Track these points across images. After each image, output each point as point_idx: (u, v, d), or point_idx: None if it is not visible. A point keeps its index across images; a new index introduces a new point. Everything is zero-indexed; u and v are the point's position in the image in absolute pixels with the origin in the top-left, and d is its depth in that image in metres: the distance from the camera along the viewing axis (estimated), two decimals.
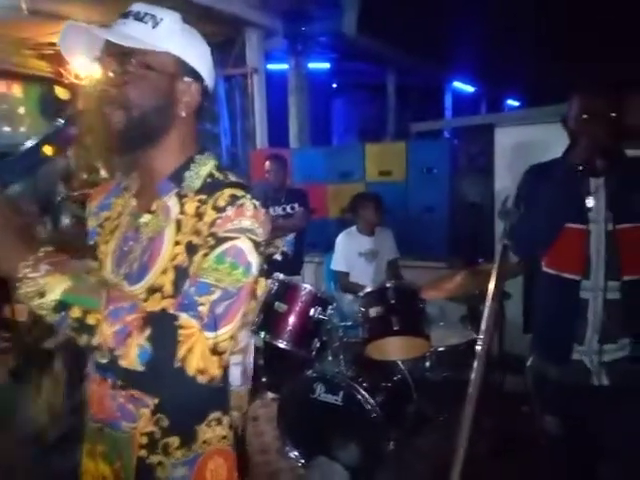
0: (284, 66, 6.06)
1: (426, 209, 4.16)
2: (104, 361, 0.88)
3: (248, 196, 0.95)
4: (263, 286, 1.03)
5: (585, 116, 1.56)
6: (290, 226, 3.67)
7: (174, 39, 0.96)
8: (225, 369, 0.96)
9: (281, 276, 2.79)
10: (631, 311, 1.59)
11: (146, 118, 0.96)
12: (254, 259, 0.93)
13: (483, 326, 0.92)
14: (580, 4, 5.02)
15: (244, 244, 0.92)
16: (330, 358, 2.68)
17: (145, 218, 1.01)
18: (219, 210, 0.93)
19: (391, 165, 4.25)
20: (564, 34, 6.01)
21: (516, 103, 13.04)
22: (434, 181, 4.13)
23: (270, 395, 3.19)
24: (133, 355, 0.85)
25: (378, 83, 8.86)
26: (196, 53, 1.00)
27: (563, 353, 1.65)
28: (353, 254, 3.37)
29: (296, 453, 2.67)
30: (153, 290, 0.96)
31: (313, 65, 7.59)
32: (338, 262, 3.39)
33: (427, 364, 2.79)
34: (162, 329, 0.88)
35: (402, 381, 2.74)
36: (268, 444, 2.95)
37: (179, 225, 0.98)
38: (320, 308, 2.68)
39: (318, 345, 2.70)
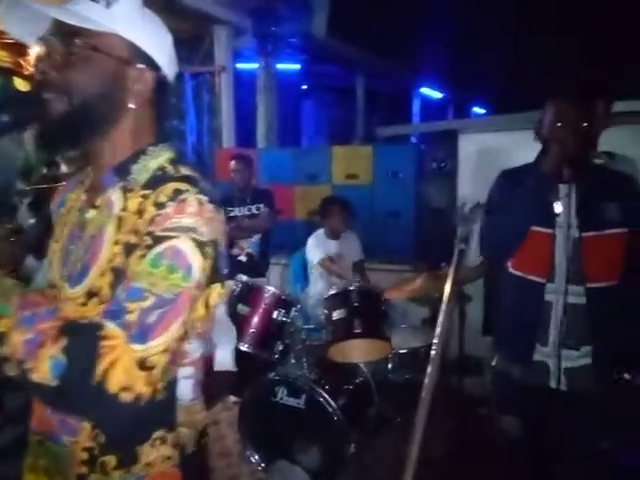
0: (253, 65, 6.02)
1: (392, 213, 4.20)
2: (13, 374, 0.77)
3: (193, 190, 0.86)
4: (218, 292, 0.93)
5: (558, 124, 1.57)
6: (255, 227, 3.64)
7: (129, 22, 0.88)
8: (171, 383, 0.89)
9: (244, 278, 2.76)
10: (595, 318, 1.61)
11: (90, 105, 0.87)
12: (196, 261, 0.83)
13: (438, 329, 0.92)
14: (546, 13, 5.17)
15: (184, 244, 0.83)
16: (293, 361, 2.66)
17: (90, 214, 0.94)
18: (159, 206, 0.85)
19: (358, 168, 4.27)
20: (529, 44, 6.17)
21: (482, 111, 13.33)
22: (400, 185, 4.17)
23: (232, 398, 3.16)
24: (45, 368, 0.75)
25: (347, 86, 8.91)
26: (153, 39, 0.91)
27: (526, 354, 1.68)
28: (319, 257, 3.37)
29: (257, 457, 2.64)
30: (91, 294, 0.88)
31: (283, 66, 7.57)
32: (315, 255, 3.39)
33: (389, 366, 2.81)
34: (80, 339, 0.78)
35: (364, 383, 2.75)
36: (229, 448, 2.92)
37: (120, 223, 0.90)
38: (284, 310, 2.66)
39: (281, 348, 2.68)
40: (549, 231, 1.62)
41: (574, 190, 1.61)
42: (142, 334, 0.79)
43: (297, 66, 8.11)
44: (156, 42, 0.92)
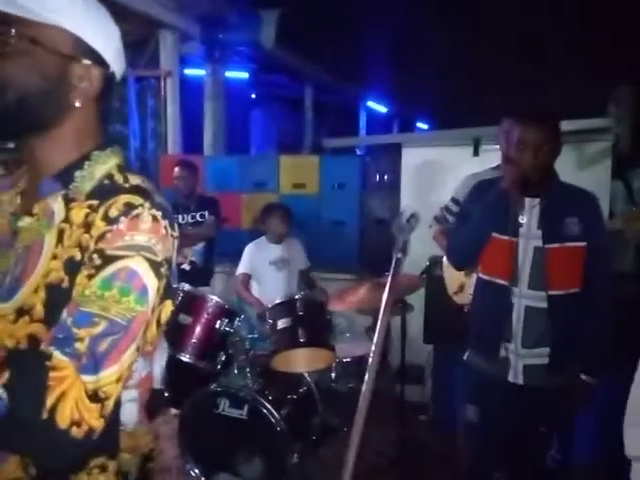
0: (201, 72, 5.96)
1: (337, 223, 4.25)
2: None
3: (147, 205, 0.80)
4: (169, 310, 0.89)
5: (520, 146, 1.68)
6: (199, 235, 3.58)
7: (72, 13, 0.80)
8: (114, 409, 0.83)
9: (186, 287, 2.70)
10: (554, 323, 1.76)
11: (27, 102, 0.79)
12: (151, 283, 0.78)
13: (375, 338, 0.94)
14: (487, 34, 5.42)
15: (139, 265, 0.77)
16: (236, 371, 2.63)
17: (24, 222, 0.85)
18: (110, 221, 0.78)
19: (305, 178, 4.30)
20: (470, 64, 6.45)
21: (425, 126, 13.77)
22: (345, 196, 4.23)
23: (173, 411, 3.07)
24: None
25: (296, 97, 8.98)
26: (99, 33, 0.84)
27: (493, 349, 1.83)
28: (263, 263, 3.36)
29: (197, 471, 2.58)
30: (22, 311, 0.79)
31: (231, 74, 7.54)
32: (241, 267, 3.39)
33: (333, 375, 2.83)
34: (26, 372, 0.71)
35: (308, 393, 2.74)
36: (168, 463, 2.83)
37: (61, 235, 0.81)
38: (227, 320, 2.63)
39: (224, 358, 2.65)
40: (512, 239, 1.75)
41: (539, 204, 1.75)
42: (93, 364, 0.72)
43: (245, 75, 8.09)
44: (103, 36, 0.85)
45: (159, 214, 0.81)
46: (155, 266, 0.79)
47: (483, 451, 1.94)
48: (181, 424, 2.62)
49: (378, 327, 0.97)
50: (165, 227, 0.82)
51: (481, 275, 1.91)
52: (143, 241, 0.78)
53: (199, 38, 5.08)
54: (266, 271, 3.36)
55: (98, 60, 0.84)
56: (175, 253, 0.88)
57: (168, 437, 3.00)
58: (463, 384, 2.03)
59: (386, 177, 4.32)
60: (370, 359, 0.94)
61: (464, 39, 5.60)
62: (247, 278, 3.39)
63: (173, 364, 2.81)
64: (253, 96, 9.78)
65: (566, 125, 3.64)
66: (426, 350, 3.34)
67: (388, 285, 1.03)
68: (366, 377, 0.93)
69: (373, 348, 0.95)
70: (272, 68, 7.63)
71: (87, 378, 0.72)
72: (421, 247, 2.86)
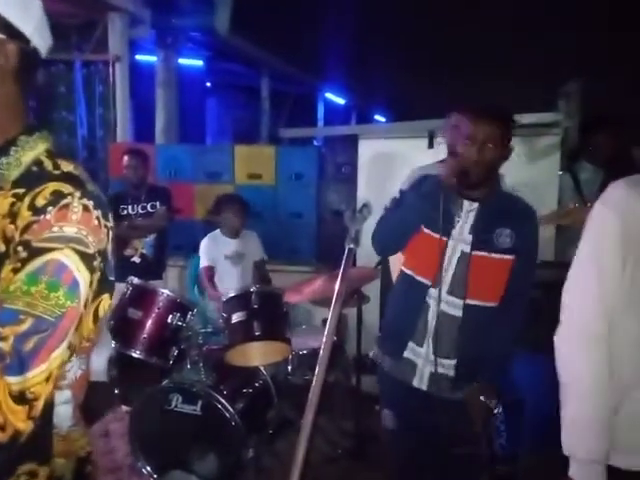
0: (153, 58, 5.76)
1: (295, 214, 4.21)
2: None
3: (77, 194, 0.75)
4: (107, 304, 0.85)
5: (466, 141, 1.59)
6: (150, 226, 3.46)
7: None
8: (46, 410, 0.77)
9: (135, 280, 2.60)
10: (466, 334, 1.67)
11: None
12: (83, 276, 0.74)
13: (326, 330, 0.91)
14: (440, 29, 5.47)
15: (68, 258, 0.72)
16: (189, 366, 2.56)
17: None
18: (36, 211, 0.73)
19: (261, 169, 4.23)
20: (424, 57, 6.52)
21: (383, 119, 13.88)
22: (303, 187, 4.19)
23: (124, 408, 2.97)
24: None
25: (253, 86, 8.84)
26: (16, 4, 0.78)
27: (398, 349, 1.74)
28: (219, 257, 3.28)
29: (149, 468, 2.51)
30: None
31: (185, 61, 7.33)
32: (203, 260, 3.28)
33: (289, 368, 2.80)
34: None
35: (264, 386, 2.71)
36: (119, 462, 2.75)
37: None
38: (179, 314, 2.55)
39: (176, 353, 2.58)
40: (442, 239, 1.65)
41: (476, 208, 1.66)
42: (18, 363, 0.68)
43: (200, 62, 7.89)
44: (20, 8, 0.78)
45: (90, 204, 0.77)
46: (87, 259, 0.75)
47: (406, 454, 1.82)
48: (132, 421, 2.54)
49: (329, 318, 0.94)
50: (97, 217, 0.77)
51: (404, 269, 1.80)
52: (72, 232, 0.74)
53: (150, 22, 4.89)
54: (222, 265, 3.28)
55: (14, 34, 0.78)
56: (110, 245, 0.82)
57: (119, 435, 2.91)
58: (379, 385, 1.94)
59: (344, 168, 4.30)
60: (321, 351, 0.92)
61: (421, 33, 5.64)
62: (210, 272, 3.27)
63: (123, 360, 2.72)
64: (208, 84, 9.57)
65: (518, 119, 3.77)
66: None
67: (340, 275, 1.00)
68: (317, 369, 0.91)
69: (324, 339, 0.92)
70: (227, 56, 7.47)
71: (12, 379, 0.68)
72: None
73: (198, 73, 8.23)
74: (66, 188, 0.76)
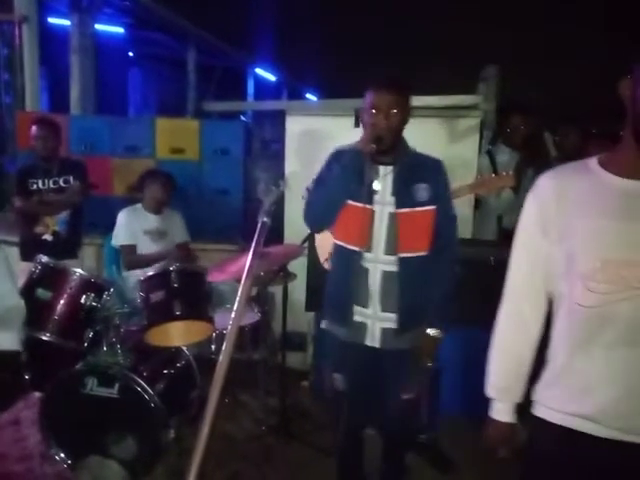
0: (68, 22, 5.34)
1: (220, 191, 4.09)
2: None
3: None
4: None
5: (373, 110, 1.77)
6: (63, 202, 3.24)
7: None
8: None
9: (44, 259, 2.43)
10: (404, 284, 1.85)
11: None
12: None
13: (235, 306, 0.89)
14: (370, 10, 5.48)
15: None
16: (105, 349, 2.45)
17: None
18: None
19: (184, 143, 4.06)
20: (354, 35, 6.52)
21: (314, 97, 13.81)
22: (229, 163, 4.07)
23: (36, 395, 2.81)
24: None
25: (179, 58, 8.46)
26: None
27: (347, 315, 1.89)
28: (137, 231, 3.12)
29: (63, 455, 2.40)
30: None
31: (104, 27, 6.87)
32: (121, 237, 3.10)
33: (213, 347, 2.76)
34: None
35: (186, 366, 2.65)
36: (30, 450, 2.60)
37: None
38: (93, 294, 2.43)
39: (91, 335, 2.46)
40: (368, 206, 1.81)
41: (391, 171, 1.84)
42: None
43: (121, 30, 7.43)
44: None
45: None
46: None
47: (354, 416, 1.97)
48: (43, 407, 2.41)
49: (239, 294, 0.92)
50: None
51: (337, 242, 1.94)
52: None
53: None
54: (140, 240, 3.12)
55: None
56: None
57: (30, 422, 2.75)
58: (327, 353, 2.07)
59: (271, 144, 4.23)
60: (229, 327, 0.89)
61: (349, 12, 5.62)
62: (132, 250, 3.10)
63: (33, 344, 2.55)
64: (131, 54, 9.05)
65: (440, 100, 3.87)
66: (308, 317, 3.39)
67: (252, 249, 0.98)
68: (224, 346, 0.88)
69: (232, 316, 0.90)
70: (151, 25, 7.08)
71: None
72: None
73: (119, 42, 7.75)
74: None
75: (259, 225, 0.99)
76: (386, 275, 1.84)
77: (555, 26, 5.23)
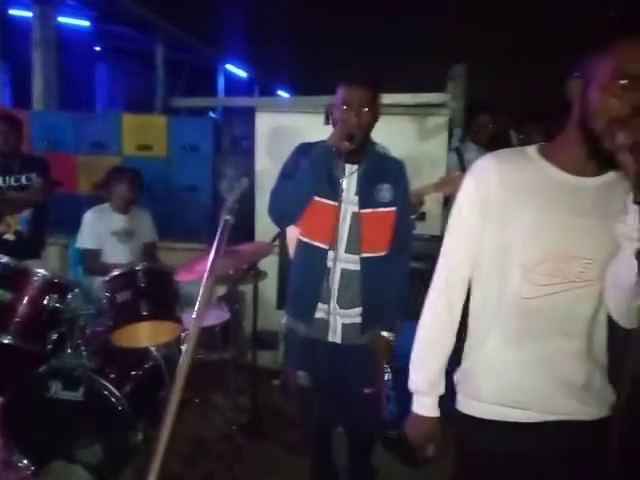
0: (30, 14, 5.17)
1: (189, 187, 4.03)
2: None
3: None
4: None
5: (344, 107, 1.79)
6: (25, 200, 3.13)
7: None
8: None
9: (4, 259, 2.35)
10: (365, 283, 1.87)
11: None
12: None
13: (197, 305, 0.87)
14: (341, 7, 5.47)
15: None
16: (70, 351, 2.38)
17: None
18: None
19: (151, 140, 3.98)
20: (324, 34, 6.50)
21: (286, 94, 13.74)
22: (198, 159, 4.01)
23: None
24: None
25: (148, 53, 8.29)
26: None
27: (309, 312, 1.90)
28: (104, 232, 3.05)
29: (26, 461, 2.33)
30: None
31: (68, 20, 6.68)
32: (85, 239, 3.03)
33: (182, 347, 2.71)
34: None
35: (154, 367, 2.60)
36: None
37: None
38: (57, 296, 2.36)
39: (55, 337, 2.39)
40: (334, 204, 1.81)
41: (357, 170, 1.85)
42: None
43: (86, 23, 7.23)
44: None
45: None
46: None
47: (321, 413, 1.99)
48: (6, 412, 2.33)
49: (201, 292, 0.90)
50: None
51: (301, 238, 1.94)
52: None
53: None
54: (107, 241, 3.05)
55: None
56: None
57: None
58: (287, 349, 2.10)
59: (242, 141, 4.19)
60: (191, 326, 0.88)
61: (322, 9, 5.60)
62: (96, 255, 3.02)
63: None
64: (97, 49, 8.83)
65: (409, 98, 3.89)
66: (279, 315, 3.36)
67: (215, 248, 0.96)
68: (185, 346, 0.86)
69: (194, 316, 0.88)
70: (117, 18, 6.91)
71: None
72: None
73: (85, 35, 7.54)
74: None
75: (221, 223, 0.98)
76: (345, 273, 1.86)
77: (525, 24, 5.32)
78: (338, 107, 1.81)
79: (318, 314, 1.90)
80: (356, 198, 1.84)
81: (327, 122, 3.37)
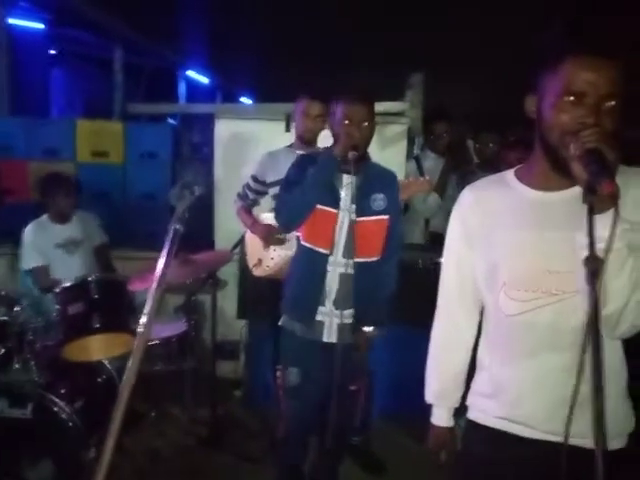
0: None
1: (146, 195, 3.93)
2: None
3: None
4: None
5: (346, 122, 1.90)
6: None
7: None
8: None
9: None
10: (358, 286, 1.98)
11: None
12: None
13: (144, 315, 0.84)
14: (302, 15, 5.48)
15: None
16: (17, 366, 2.28)
17: None
18: None
19: (107, 146, 3.87)
20: (286, 40, 6.51)
21: (249, 101, 13.67)
22: (156, 167, 3.92)
23: None
24: None
25: (107, 57, 8.08)
26: None
27: (309, 314, 2.01)
28: (48, 247, 2.90)
29: None
30: None
31: (21, 22, 6.46)
32: (29, 259, 2.87)
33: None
34: None
35: (108, 381, 2.52)
36: None
37: None
38: (4, 308, 2.26)
39: (2, 352, 2.29)
40: (334, 211, 1.96)
41: (354, 180, 1.95)
42: None
43: (41, 26, 7.01)
44: None
45: None
46: None
47: (302, 414, 2.11)
48: None
49: (148, 302, 0.87)
50: None
51: (303, 243, 2.04)
52: None
53: None
54: (53, 255, 2.90)
55: None
56: None
57: None
58: (282, 349, 2.15)
59: (201, 148, 4.13)
60: (136, 339, 0.85)
61: (284, 15, 5.60)
62: (45, 271, 2.87)
63: None
64: (53, 52, 8.57)
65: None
66: (239, 325, 3.33)
67: (164, 257, 0.93)
68: (130, 359, 0.84)
69: (140, 328, 0.85)
70: (74, 22, 6.72)
71: None
72: (234, 222, 2.81)
73: (39, 38, 7.30)
74: None
75: (170, 232, 0.95)
76: (342, 277, 1.98)
77: (486, 32, 5.44)
78: (339, 121, 1.92)
79: (317, 317, 2.01)
80: (353, 207, 1.96)
81: (288, 129, 3.40)
